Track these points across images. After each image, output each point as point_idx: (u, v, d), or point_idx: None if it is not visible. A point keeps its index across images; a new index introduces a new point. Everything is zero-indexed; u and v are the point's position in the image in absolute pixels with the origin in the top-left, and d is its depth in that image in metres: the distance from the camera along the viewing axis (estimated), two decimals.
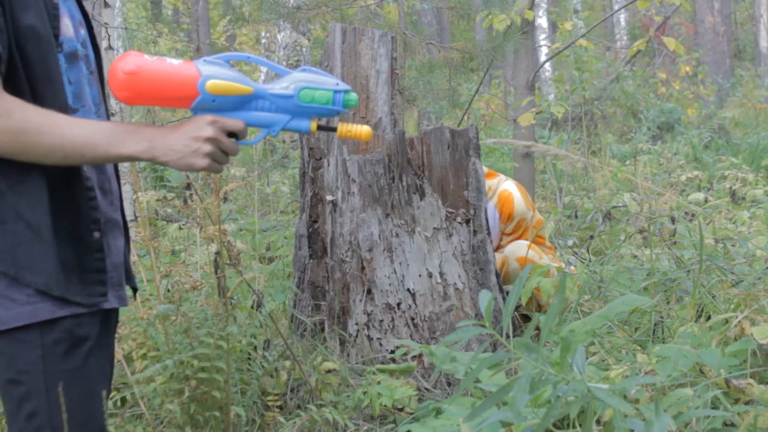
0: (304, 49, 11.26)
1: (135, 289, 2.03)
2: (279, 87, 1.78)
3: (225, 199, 6.91)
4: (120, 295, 1.88)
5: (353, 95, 1.80)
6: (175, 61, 1.74)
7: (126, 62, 1.70)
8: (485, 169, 4.31)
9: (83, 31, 1.86)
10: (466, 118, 9.08)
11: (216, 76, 1.73)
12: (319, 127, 1.83)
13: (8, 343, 1.70)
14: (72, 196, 1.73)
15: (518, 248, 4.15)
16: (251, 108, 1.78)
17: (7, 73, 1.65)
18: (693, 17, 20.23)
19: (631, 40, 19.97)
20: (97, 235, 1.76)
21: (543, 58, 13.69)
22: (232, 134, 1.76)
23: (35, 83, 1.68)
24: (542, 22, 18.05)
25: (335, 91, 1.79)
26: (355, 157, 3.59)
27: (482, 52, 6.41)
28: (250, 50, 17.23)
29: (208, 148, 1.71)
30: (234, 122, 1.75)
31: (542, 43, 16.48)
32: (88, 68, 1.85)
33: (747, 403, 2.59)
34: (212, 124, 1.72)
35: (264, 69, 11.89)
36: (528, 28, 6.72)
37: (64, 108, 1.71)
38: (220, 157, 1.75)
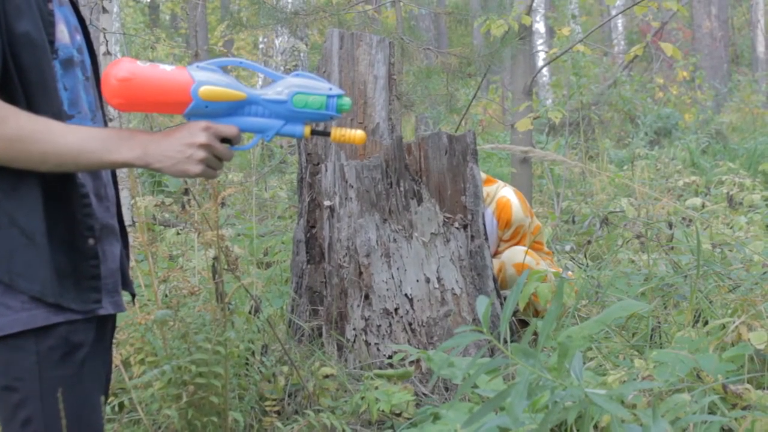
0: (301, 55, 11.28)
1: (133, 295, 2.03)
2: (272, 92, 1.78)
3: (223, 204, 6.90)
4: (116, 301, 1.87)
5: (346, 100, 1.80)
6: (168, 67, 1.74)
7: (119, 69, 1.70)
8: (483, 175, 4.31)
9: (79, 37, 1.86)
10: (463, 123, 9.09)
11: (209, 82, 1.73)
12: (313, 132, 1.83)
13: (3, 350, 1.69)
14: (67, 202, 1.73)
15: (515, 254, 4.15)
16: (245, 113, 1.77)
17: (1, 81, 1.65)
18: (690, 22, 20.26)
19: (629, 45, 20.00)
20: (91, 242, 1.76)
21: (540, 63, 13.70)
22: (225, 140, 1.76)
23: (30, 90, 1.67)
24: (540, 27, 18.07)
25: (328, 96, 1.78)
26: (352, 162, 3.60)
27: (480, 57, 6.41)
28: (247, 55, 17.24)
29: (201, 154, 1.71)
30: (227, 128, 1.75)
31: (540, 48, 16.50)
32: (84, 74, 1.84)
33: (744, 408, 2.59)
34: (205, 130, 1.72)
35: (262, 74, 11.88)
36: (525, 33, 6.73)
37: (59, 115, 1.71)
38: (213, 162, 1.75)
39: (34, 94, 1.68)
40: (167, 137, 1.72)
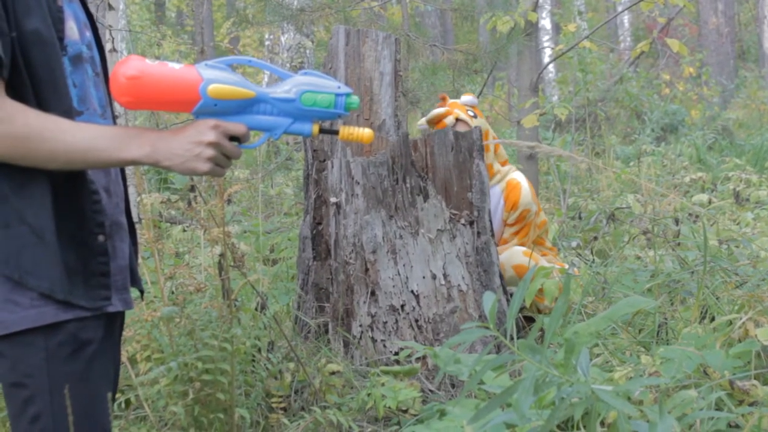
0: (307, 51, 11.28)
1: (141, 291, 2.04)
2: (281, 91, 1.78)
3: (229, 201, 6.92)
4: (125, 298, 1.88)
5: (355, 98, 1.80)
6: (177, 66, 1.73)
7: (128, 67, 1.69)
8: (503, 152, 4.32)
9: (88, 33, 1.86)
10: None
11: (218, 80, 1.72)
12: (321, 130, 1.83)
13: (12, 347, 1.70)
14: (76, 199, 1.73)
15: (514, 255, 4.13)
16: (253, 111, 1.77)
17: (10, 78, 1.65)
18: (696, 18, 20.22)
19: (635, 41, 19.95)
20: (101, 238, 1.76)
21: (546, 59, 13.67)
22: (234, 138, 1.76)
23: (39, 87, 1.68)
24: (546, 23, 18.04)
25: (337, 95, 1.78)
26: (358, 159, 3.60)
27: (486, 53, 6.41)
28: (253, 52, 17.24)
29: (210, 152, 1.71)
30: (236, 126, 1.74)
31: (546, 44, 16.48)
32: (94, 70, 1.84)
33: (751, 404, 2.59)
34: (214, 128, 1.72)
35: (267, 72, 11.90)
36: (531, 29, 6.72)
37: (69, 111, 1.71)
38: (222, 161, 1.75)
39: (43, 91, 1.68)
40: (176, 135, 1.72)
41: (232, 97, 1.73)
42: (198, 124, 1.73)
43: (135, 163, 1.70)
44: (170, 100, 1.73)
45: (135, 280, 1.96)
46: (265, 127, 1.79)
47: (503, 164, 4.35)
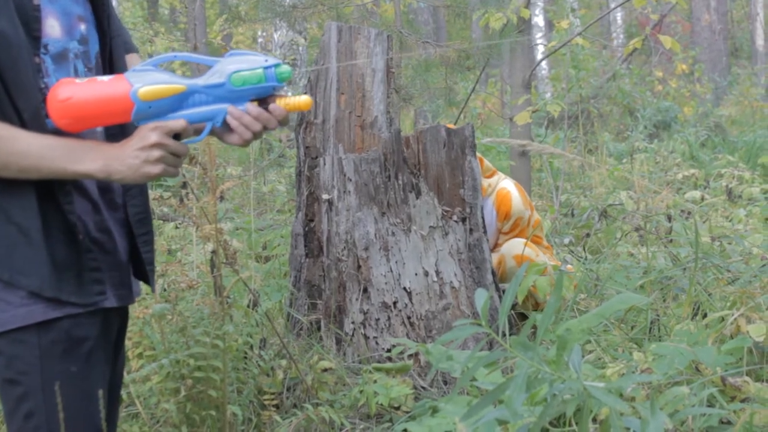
0: (300, 48, 11.27)
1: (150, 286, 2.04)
2: (210, 77, 1.78)
3: (221, 198, 6.90)
4: (121, 294, 1.87)
5: (285, 68, 1.79)
6: (106, 78, 1.74)
7: (59, 91, 1.70)
8: (489, 165, 4.32)
9: (83, 27, 1.84)
10: (462, 116, 9.08)
11: (147, 82, 1.72)
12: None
13: (7, 344, 1.71)
14: (57, 198, 1.73)
15: (515, 246, 4.15)
16: (189, 105, 1.77)
17: None
18: (689, 15, 20.23)
19: (628, 38, 19.97)
20: (80, 237, 1.75)
21: (539, 56, 13.68)
22: (178, 136, 1.76)
23: (9, 89, 1.66)
24: (538, 20, 18.05)
25: (265, 68, 1.77)
26: (351, 155, 3.59)
27: (478, 50, 6.40)
28: (246, 50, 17.17)
29: (156, 153, 1.72)
30: (174, 123, 1.74)
31: (538, 41, 16.47)
32: (86, 66, 1.83)
33: (743, 401, 2.59)
34: (154, 129, 1.73)
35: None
36: (524, 26, 6.72)
37: (37, 114, 1.69)
38: (171, 160, 1.75)
39: (14, 92, 1.67)
40: (123, 147, 1.73)
41: (163, 96, 1.73)
42: (139, 131, 1.74)
43: (88, 176, 1.70)
44: (106, 113, 1.73)
45: (143, 275, 1.96)
46: (205, 117, 1.79)
47: (490, 176, 4.35)
